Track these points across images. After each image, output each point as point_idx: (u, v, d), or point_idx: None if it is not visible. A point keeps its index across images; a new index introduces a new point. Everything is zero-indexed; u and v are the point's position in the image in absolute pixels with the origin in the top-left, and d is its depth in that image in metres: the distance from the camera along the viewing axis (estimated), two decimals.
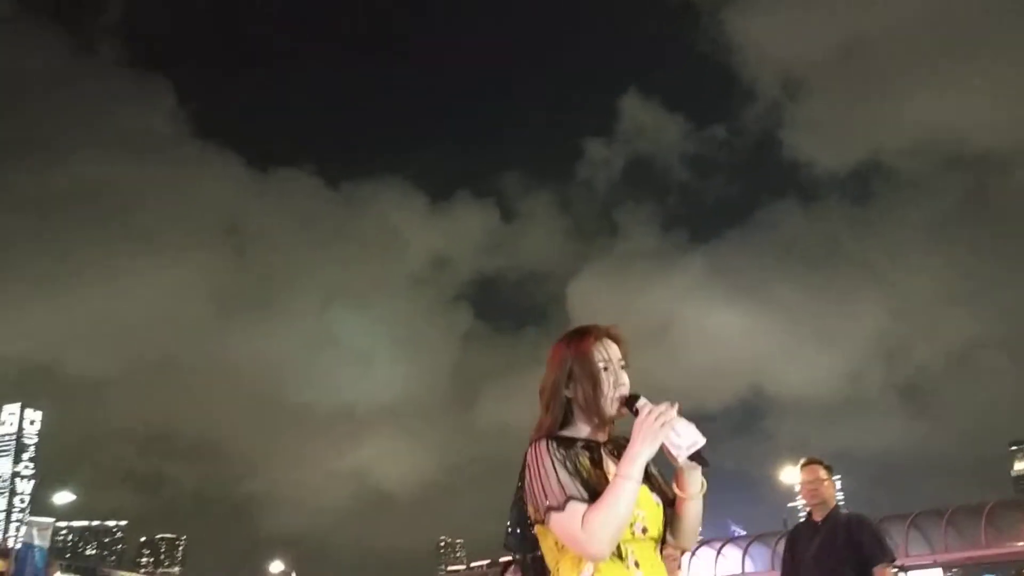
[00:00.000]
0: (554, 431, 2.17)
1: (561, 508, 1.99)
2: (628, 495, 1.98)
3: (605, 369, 2.16)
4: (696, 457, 2.08)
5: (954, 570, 41.26)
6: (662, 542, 2.18)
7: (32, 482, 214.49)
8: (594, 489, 2.03)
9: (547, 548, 2.13)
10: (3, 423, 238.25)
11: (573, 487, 2.01)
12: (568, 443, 2.12)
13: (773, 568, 28.39)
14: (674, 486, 2.19)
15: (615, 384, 2.16)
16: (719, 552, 31.52)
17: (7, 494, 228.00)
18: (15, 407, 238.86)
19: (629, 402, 2.13)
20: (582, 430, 2.19)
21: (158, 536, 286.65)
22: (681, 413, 2.09)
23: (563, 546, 2.06)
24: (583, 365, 2.16)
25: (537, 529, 2.13)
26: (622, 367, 2.20)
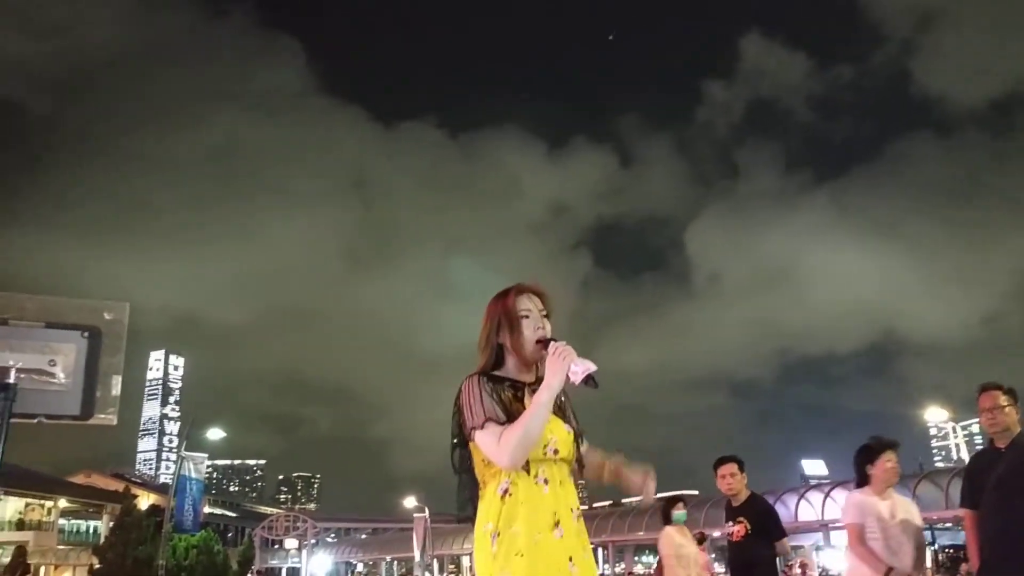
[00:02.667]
0: (486, 371, 2.63)
1: (482, 427, 2.45)
2: (539, 417, 2.42)
3: (527, 318, 2.62)
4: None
5: None
6: (581, 465, 2.69)
7: (178, 424, 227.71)
8: (513, 416, 2.47)
9: (476, 464, 2.57)
10: (150, 369, 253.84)
11: (493, 411, 2.47)
12: (497, 380, 2.59)
13: None
14: (615, 471, 2.80)
15: (535, 330, 2.60)
16: None
17: (156, 435, 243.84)
18: (160, 354, 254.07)
19: (546, 344, 2.55)
20: (511, 372, 2.64)
21: (295, 474, 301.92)
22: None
23: (488, 462, 2.50)
24: (508, 315, 2.63)
25: (471, 449, 2.57)
26: (543, 315, 2.65)
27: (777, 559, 6.24)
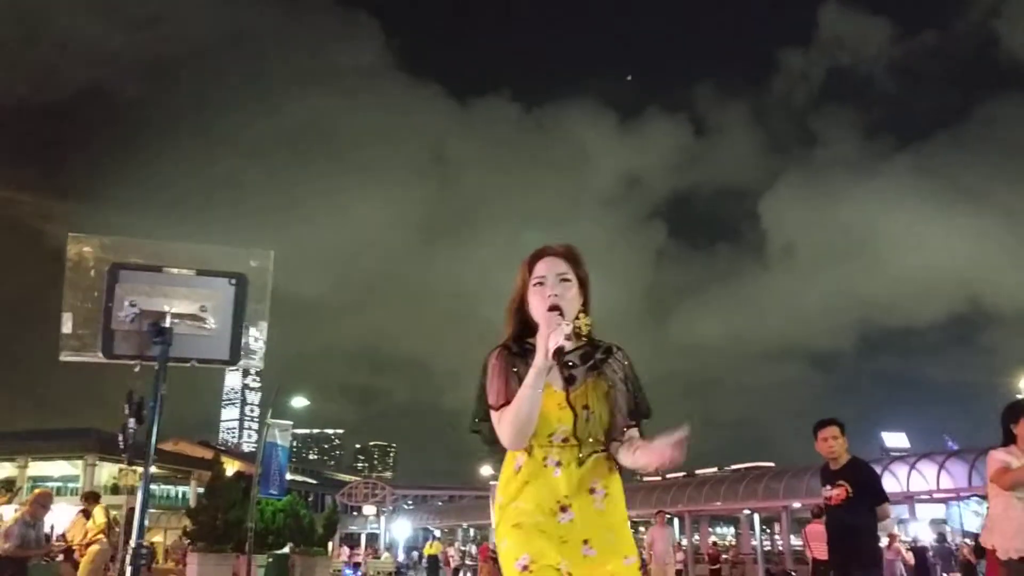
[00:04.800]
0: (510, 341, 2.49)
1: (496, 408, 2.35)
2: (525, 400, 2.25)
3: (541, 284, 2.43)
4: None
5: None
6: (609, 442, 2.40)
7: (259, 394, 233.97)
8: None
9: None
10: None
11: (505, 393, 2.34)
12: (524, 352, 2.42)
13: None
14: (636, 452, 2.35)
15: (547, 297, 2.39)
16: (941, 467, 30.10)
17: (239, 404, 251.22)
18: None
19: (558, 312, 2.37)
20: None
21: (371, 444, 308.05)
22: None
23: None
24: (524, 284, 2.47)
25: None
26: (562, 279, 2.43)
27: (879, 523, 6.10)
